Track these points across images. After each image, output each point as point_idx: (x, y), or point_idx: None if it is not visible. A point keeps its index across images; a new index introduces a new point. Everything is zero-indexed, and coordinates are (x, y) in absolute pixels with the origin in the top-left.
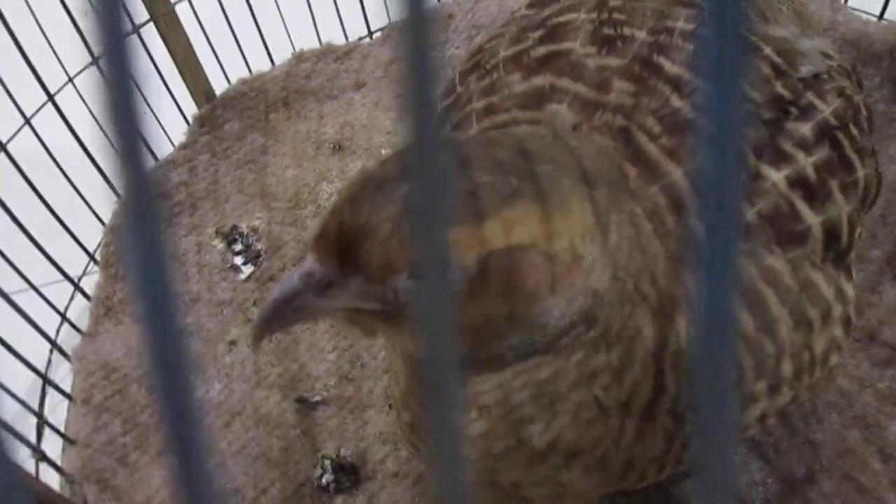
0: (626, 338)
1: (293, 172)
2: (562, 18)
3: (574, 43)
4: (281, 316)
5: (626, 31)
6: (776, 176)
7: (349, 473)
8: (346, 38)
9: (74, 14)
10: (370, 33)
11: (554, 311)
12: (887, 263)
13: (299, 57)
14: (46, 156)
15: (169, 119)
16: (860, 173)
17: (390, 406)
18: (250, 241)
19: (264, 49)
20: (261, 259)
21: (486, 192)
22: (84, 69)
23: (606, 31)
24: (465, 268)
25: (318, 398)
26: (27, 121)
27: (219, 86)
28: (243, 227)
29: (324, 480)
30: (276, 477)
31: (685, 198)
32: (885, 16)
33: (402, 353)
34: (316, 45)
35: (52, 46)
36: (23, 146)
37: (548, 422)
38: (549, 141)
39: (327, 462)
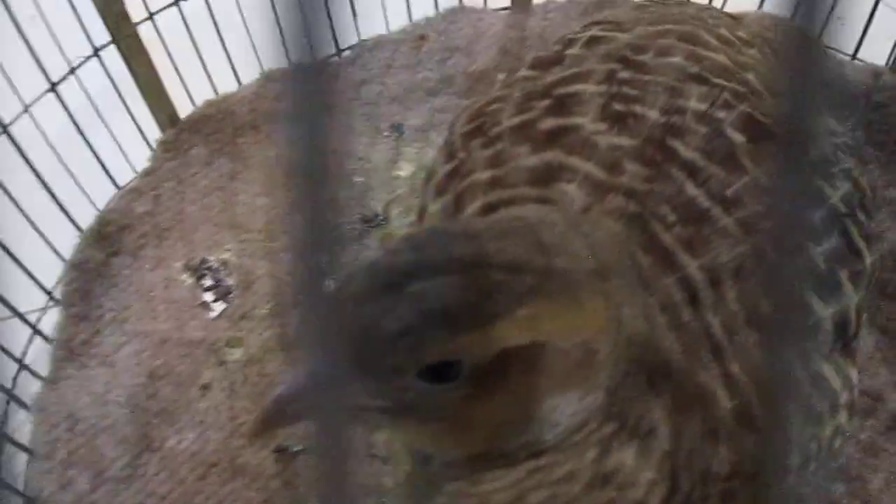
0: (642, 435)
1: (264, 201)
2: (570, 89)
3: (584, 118)
4: (283, 414)
5: (638, 108)
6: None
7: None
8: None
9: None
10: (339, 52)
11: (566, 408)
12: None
13: (268, 76)
14: None
15: (131, 145)
16: (868, 261)
17: (373, 455)
18: (220, 275)
19: (230, 68)
20: (232, 295)
21: (501, 290)
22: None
23: (617, 106)
24: (476, 367)
25: (298, 447)
26: None
27: (183, 109)
28: (213, 261)
29: None
30: None
31: (700, 290)
32: (859, 55)
33: (405, 446)
34: (285, 63)
35: None
36: None
37: None
38: (563, 230)
39: None
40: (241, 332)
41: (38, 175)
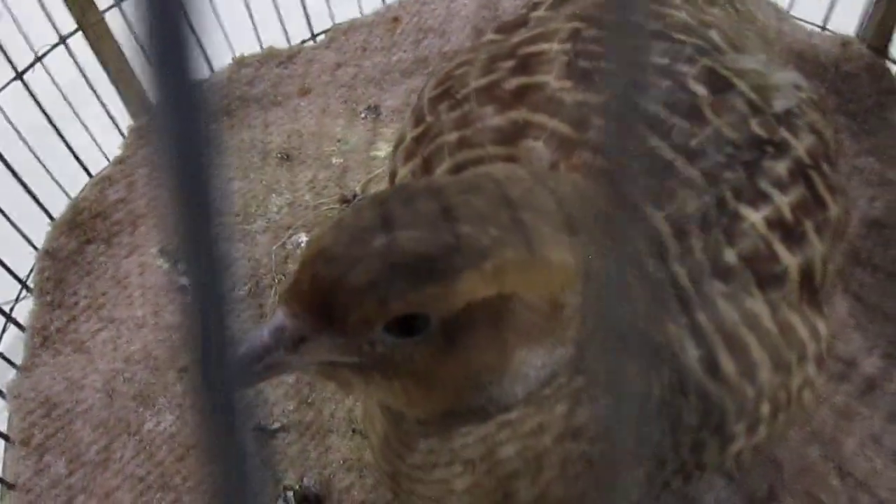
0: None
1: (239, 184)
2: (533, 48)
3: (549, 76)
4: (249, 373)
5: (602, 64)
6: (755, 216)
7: (309, 503)
8: (289, 41)
9: None
10: (313, 36)
11: (535, 361)
12: (838, 276)
13: (240, 62)
14: None
15: (103, 133)
16: (832, 212)
17: (354, 431)
18: None
19: (202, 54)
20: None
21: (466, 243)
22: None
23: (583, 63)
24: (444, 320)
25: (276, 425)
26: None
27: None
28: None
29: None
30: None
31: (667, 241)
32: (828, 26)
33: (379, 404)
34: (257, 49)
35: None
36: None
37: (534, 476)
38: (528, 185)
39: (290, 493)
40: None
41: (8, 165)
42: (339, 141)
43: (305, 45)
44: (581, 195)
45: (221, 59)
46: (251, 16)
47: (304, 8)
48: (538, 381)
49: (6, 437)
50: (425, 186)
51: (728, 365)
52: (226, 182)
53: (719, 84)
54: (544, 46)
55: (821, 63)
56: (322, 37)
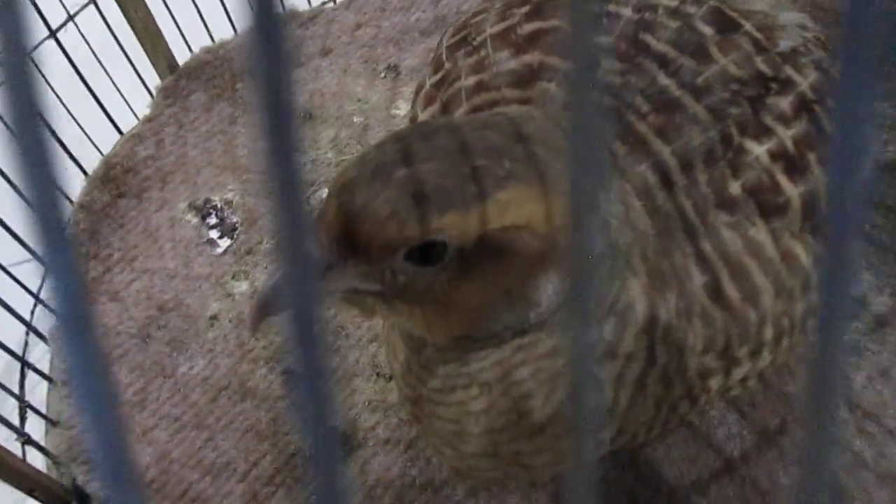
0: (619, 311)
1: (264, 143)
2: None
3: (562, 20)
4: (278, 301)
5: (612, 7)
6: (759, 150)
7: (340, 442)
8: (310, 2)
9: None
10: None
11: (548, 288)
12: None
13: None
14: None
15: (132, 92)
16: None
17: (378, 374)
18: (225, 213)
19: (225, 16)
20: (237, 232)
21: (482, 174)
22: None
23: (594, 6)
24: (462, 249)
25: None
26: None
27: (181, 56)
28: (217, 200)
29: None
30: (266, 449)
31: (674, 174)
32: None
33: (399, 331)
34: (279, 10)
35: None
36: None
37: (547, 396)
38: (541, 123)
39: None
40: (247, 266)
41: (43, 121)
42: (359, 100)
43: (326, 5)
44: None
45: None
46: None
47: None
48: (550, 307)
49: (49, 378)
50: (443, 124)
51: (731, 291)
52: (252, 140)
53: (726, 24)
54: None
55: (837, 11)
56: None
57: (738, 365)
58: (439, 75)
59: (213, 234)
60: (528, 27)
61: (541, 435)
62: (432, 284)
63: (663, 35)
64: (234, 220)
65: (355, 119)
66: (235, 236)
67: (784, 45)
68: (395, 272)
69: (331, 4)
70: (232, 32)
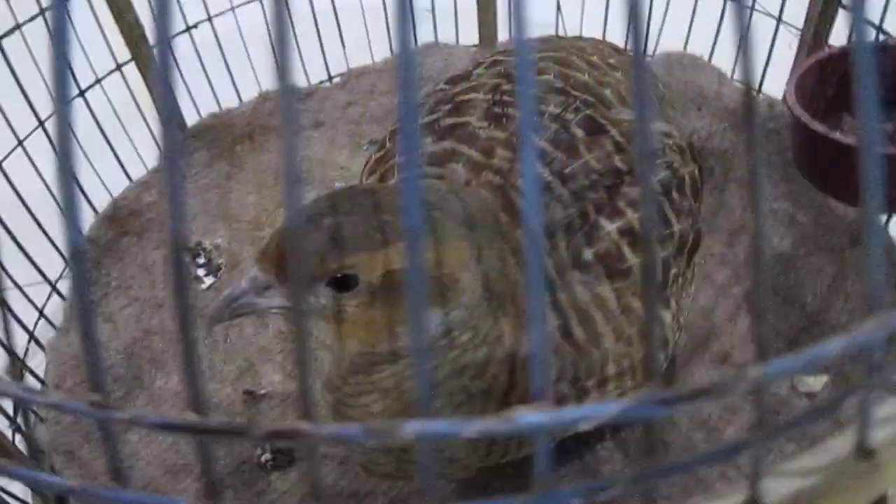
0: (490, 341)
1: (254, 198)
2: (466, 97)
3: (472, 117)
4: (230, 308)
5: (510, 110)
6: (610, 227)
7: (285, 454)
8: (308, 81)
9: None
10: (330, 78)
11: (434, 319)
12: (744, 299)
13: (265, 96)
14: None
15: (145, 146)
16: (675, 228)
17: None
18: (212, 256)
19: (233, 88)
20: (221, 272)
21: (387, 227)
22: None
23: (496, 109)
24: (370, 282)
25: (263, 391)
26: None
27: (191, 119)
28: (206, 244)
29: (263, 458)
30: (222, 455)
31: (539, 241)
32: (763, 90)
33: (326, 348)
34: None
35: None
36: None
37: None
38: (443, 193)
39: (267, 446)
40: None
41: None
42: (342, 167)
43: (322, 84)
44: (482, 203)
45: (249, 92)
46: (276, 59)
47: (323, 53)
48: (437, 334)
49: (43, 382)
50: (365, 188)
51: (579, 332)
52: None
53: (594, 128)
54: (473, 95)
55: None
56: (337, 79)
57: (587, 393)
58: (381, 153)
59: (201, 272)
60: (448, 121)
61: None
62: (346, 308)
63: (544, 135)
64: (220, 261)
65: (337, 184)
66: (219, 276)
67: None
68: (318, 295)
69: (327, 84)
70: (237, 102)
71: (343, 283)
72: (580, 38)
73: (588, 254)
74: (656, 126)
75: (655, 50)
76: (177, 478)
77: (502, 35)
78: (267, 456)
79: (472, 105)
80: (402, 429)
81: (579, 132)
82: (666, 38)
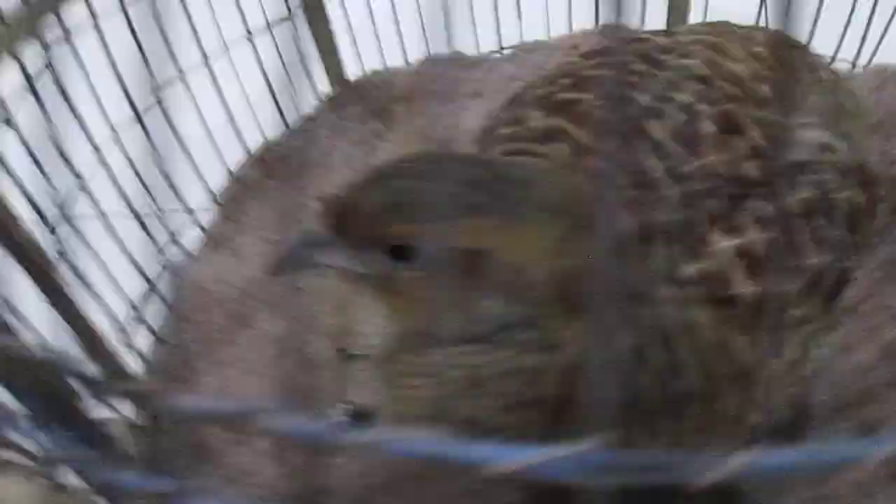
0: (552, 348)
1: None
2: (592, 73)
3: (590, 95)
4: (286, 263)
5: (635, 93)
6: (724, 244)
7: (360, 416)
8: (478, 49)
9: None
10: (501, 49)
11: (494, 309)
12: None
13: (432, 61)
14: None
15: (304, 94)
16: (811, 260)
17: None
18: None
19: (400, 47)
20: None
21: (456, 200)
22: None
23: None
24: (430, 256)
25: (356, 352)
26: None
27: (353, 73)
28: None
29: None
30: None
31: (630, 244)
32: None
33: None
34: (446, 50)
35: None
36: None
37: (468, 400)
38: (533, 172)
39: (349, 407)
40: None
41: (227, 107)
42: None
43: (492, 55)
44: (577, 192)
45: (416, 53)
46: (447, 25)
47: (497, 22)
48: (493, 327)
49: (166, 301)
50: (449, 155)
51: (656, 358)
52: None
53: (730, 126)
54: (600, 72)
55: None
56: (508, 51)
57: (659, 433)
58: (489, 123)
59: None
60: (563, 96)
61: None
62: (404, 278)
63: (668, 125)
64: None
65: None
66: None
67: (790, 157)
68: (376, 261)
69: (497, 55)
70: (403, 62)
71: (403, 253)
72: (759, 27)
73: (689, 269)
74: (814, 135)
75: (872, 59)
76: None
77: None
78: (343, 418)
79: (596, 82)
80: None
81: (710, 127)
82: (886, 50)
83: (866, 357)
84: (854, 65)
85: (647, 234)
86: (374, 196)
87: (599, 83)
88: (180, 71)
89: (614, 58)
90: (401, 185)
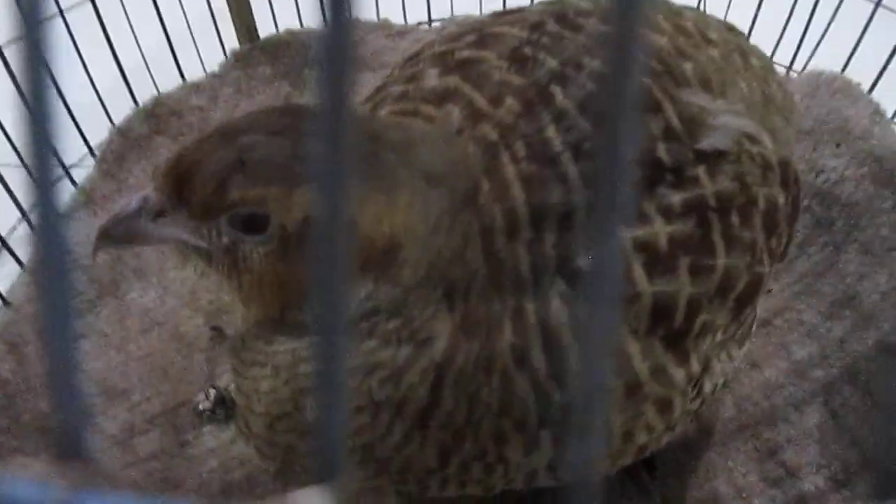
0: (417, 341)
1: None
2: (497, 29)
3: (492, 53)
4: (115, 233)
5: (541, 55)
6: (625, 234)
7: (226, 407)
8: (406, 20)
9: None
10: (430, 21)
11: (359, 291)
12: (824, 390)
13: (356, 26)
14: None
15: (209, 48)
16: (720, 261)
17: None
18: None
19: (321, 8)
20: None
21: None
22: None
23: (525, 50)
24: (283, 227)
25: (231, 331)
26: None
27: (266, 30)
28: None
29: (201, 407)
30: (165, 391)
31: (521, 225)
32: None
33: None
34: (374, 18)
35: None
36: None
37: None
38: (413, 135)
39: (212, 392)
40: None
41: (111, 46)
42: None
43: (420, 25)
44: (464, 160)
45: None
46: None
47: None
48: (357, 313)
49: (21, 263)
50: (303, 108)
51: (539, 362)
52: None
53: (645, 103)
54: (506, 29)
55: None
56: (437, 23)
57: (537, 447)
58: (382, 82)
59: None
60: (465, 53)
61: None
62: (252, 255)
63: (574, 93)
64: None
65: None
66: None
67: (706, 143)
68: (220, 233)
69: (425, 26)
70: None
71: (250, 223)
72: (695, 9)
73: (583, 262)
74: (739, 123)
75: (806, 65)
76: (110, 401)
77: None
78: (207, 405)
79: (500, 40)
80: None
81: None
82: (822, 56)
83: (775, 374)
84: (789, 69)
85: (539, 216)
86: (217, 154)
87: (504, 41)
88: (60, 10)
89: (528, 14)
90: (250, 140)
